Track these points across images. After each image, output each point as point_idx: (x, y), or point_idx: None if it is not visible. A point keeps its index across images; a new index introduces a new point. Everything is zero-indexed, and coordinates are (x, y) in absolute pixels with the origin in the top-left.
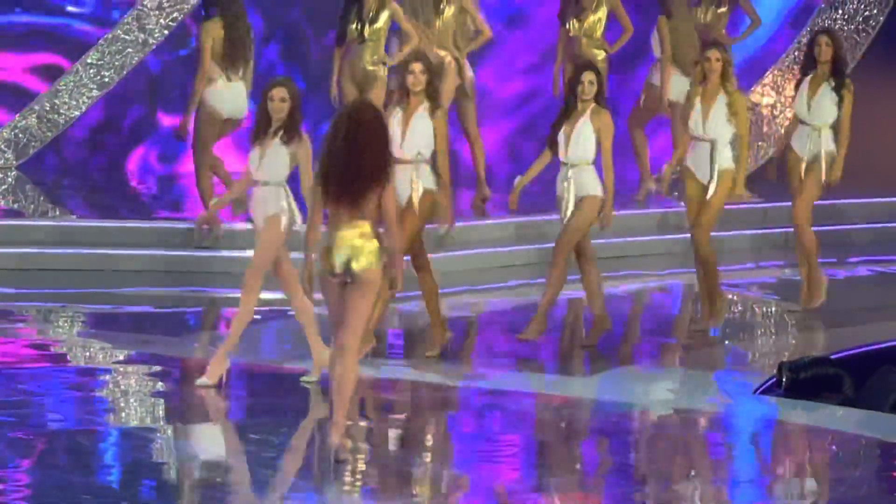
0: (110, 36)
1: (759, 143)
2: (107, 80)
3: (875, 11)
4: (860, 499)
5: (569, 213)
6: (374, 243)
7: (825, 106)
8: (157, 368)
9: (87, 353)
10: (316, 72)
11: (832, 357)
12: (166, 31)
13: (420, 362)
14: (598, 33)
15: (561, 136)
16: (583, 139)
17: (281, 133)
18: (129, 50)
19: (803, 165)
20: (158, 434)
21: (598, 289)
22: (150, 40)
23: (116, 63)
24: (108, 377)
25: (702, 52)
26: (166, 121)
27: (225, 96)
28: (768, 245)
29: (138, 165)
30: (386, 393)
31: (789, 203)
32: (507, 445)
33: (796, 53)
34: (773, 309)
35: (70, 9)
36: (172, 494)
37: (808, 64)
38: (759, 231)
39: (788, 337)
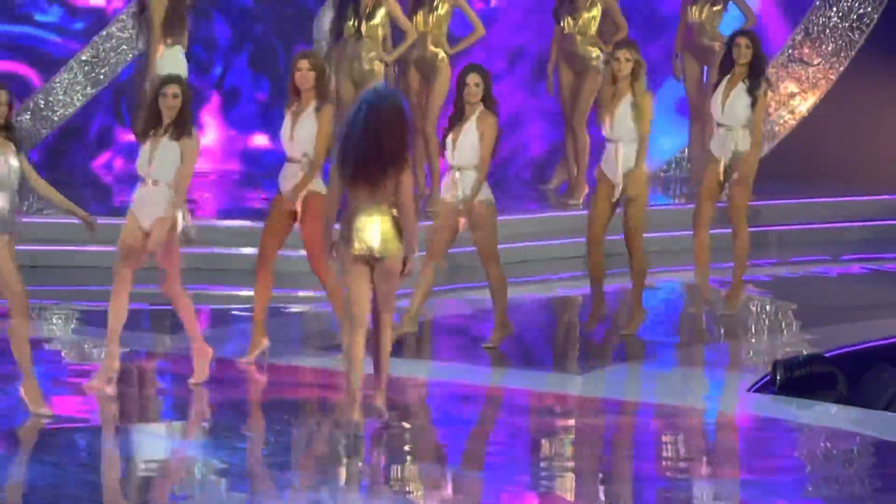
0: (105, 33)
1: None
2: (101, 77)
3: (869, 9)
4: (854, 496)
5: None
6: (395, 226)
7: (738, 107)
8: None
9: (81, 350)
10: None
11: (826, 355)
12: None
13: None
14: (592, 31)
15: (448, 140)
16: (468, 143)
17: (171, 130)
18: (124, 47)
19: (720, 167)
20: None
21: (496, 293)
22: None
23: (111, 60)
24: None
25: (612, 51)
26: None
27: (167, 62)
28: (762, 242)
29: (104, 163)
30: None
31: (783, 201)
32: (500, 443)
33: (791, 51)
34: (768, 307)
35: (37, 18)
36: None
37: (727, 65)
38: (753, 229)
39: (783, 335)
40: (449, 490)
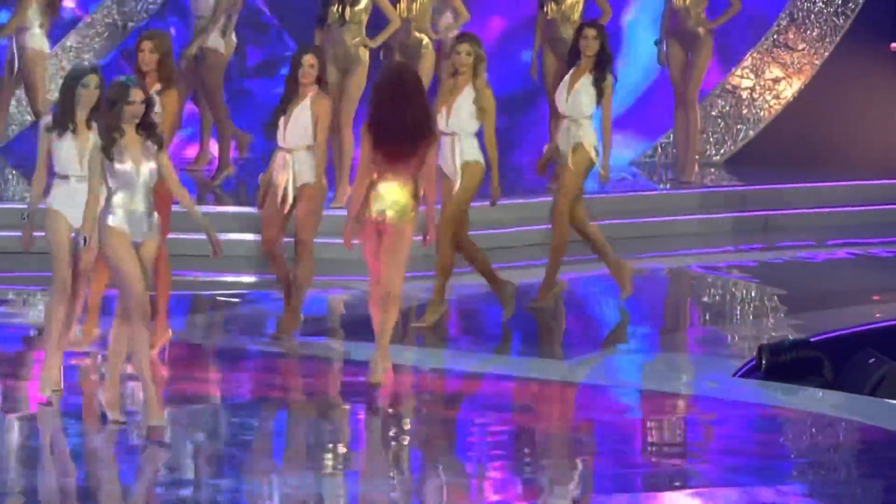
0: (89, 19)
1: (739, 126)
2: (86, 63)
3: None
4: (839, 481)
5: (290, 199)
6: (412, 198)
7: (582, 99)
8: None
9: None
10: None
11: (812, 340)
12: (145, 15)
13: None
14: (576, 16)
15: (281, 121)
16: (301, 125)
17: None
18: (108, 33)
19: (568, 158)
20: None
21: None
22: (130, 24)
23: (95, 46)
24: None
25: (453, 45)
26: None
27: (45, 39)
28: (748, 228)
29: None
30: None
31: (769, 186)
32: (482, 428)
33: (776, 36)
34: (753, 292)
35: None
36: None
37: (573, 56)
38: (739, 214)
39: (768, 320)
40: (438, 480)
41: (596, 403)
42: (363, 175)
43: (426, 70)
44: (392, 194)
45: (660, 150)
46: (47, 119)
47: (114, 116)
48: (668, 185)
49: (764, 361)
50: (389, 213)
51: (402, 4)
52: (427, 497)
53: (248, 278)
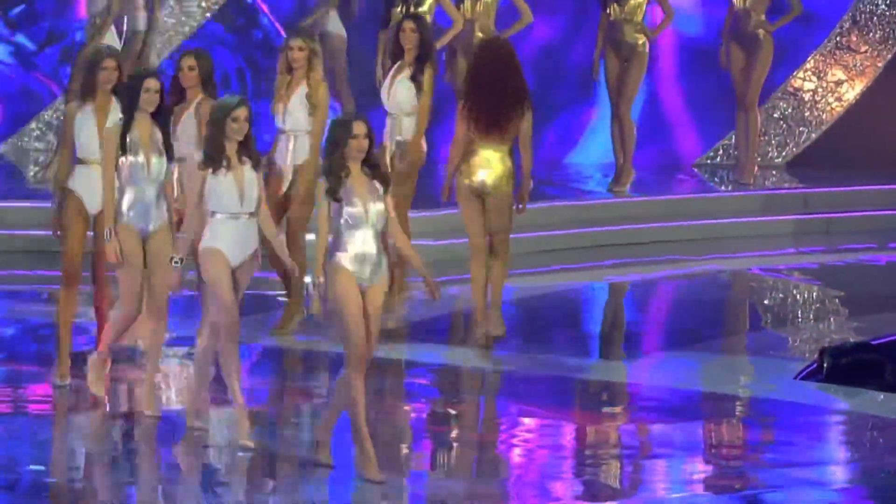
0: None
1: (801, 129)
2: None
3: None
4: None
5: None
6: (510, 165)
7: (401, 94)
8: None
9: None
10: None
11: (873, 343)
12: (208, 15)
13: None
14: (639, 17)
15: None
16: (187, 132)
17: None
18: (171, 33)
19: (387, 157)
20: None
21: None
22: (192, 23)
23: (157, 46)
24: None
25: (286, 40)
26: None
27: None
28: (809, 230)
29: None
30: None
31: (831, 188)
32: (545, 429)
33: (838, 39)
34: (814, 294)
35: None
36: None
37: (397, 50)
38: (801, 216)
39: (829, 322)
40: (500, 473)
41: (656, 405)
42: (458, 145)
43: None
44: (490, 163)
45: (721, 151)
46: (198, 156)
47: (339, 155)
48: (728, 188)
49: (825, 364)
50: (489, 182)
51: (466, 5)
52: (504, 494)
53: None
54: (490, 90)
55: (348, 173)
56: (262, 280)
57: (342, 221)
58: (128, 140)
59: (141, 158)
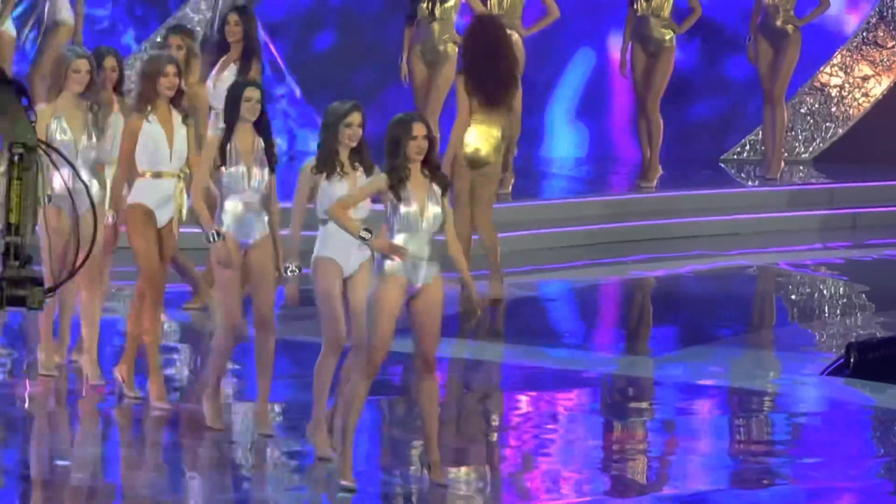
0: (179, 14)
1: (827, 124)
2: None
3: None
4: None
5: None
6: (500, 138)
7: (225, 89)
8: None
9: None
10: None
11: None
12: None
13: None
14: (666, 12)
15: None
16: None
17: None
18: (198, 29)
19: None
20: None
21: None
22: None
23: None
24: None
25: (165, 35)
26: None
27: None
28: (836, 225)
29: None
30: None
31: (857, 184)
32: (573, 424)
33: (865, 34)
34: (841, 290)
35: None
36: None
37: (223, 45)
38: (827, 211)
39: (856, 317)
40: (527, 468)
41: (682, 400)
42: (463, 121)
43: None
44: (488, 137)
45: (748, 146)
46: (310, 160)
47: (399, 156)
48: (755, 183)
49: (852, 359)
50: (484, 154)
51: (492, 0)
52: (530, 490)
53: None
54: (487, 66)
55: (409, 174)
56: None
57: (394, 221)
58: (227, 150)
59: (242, 169)
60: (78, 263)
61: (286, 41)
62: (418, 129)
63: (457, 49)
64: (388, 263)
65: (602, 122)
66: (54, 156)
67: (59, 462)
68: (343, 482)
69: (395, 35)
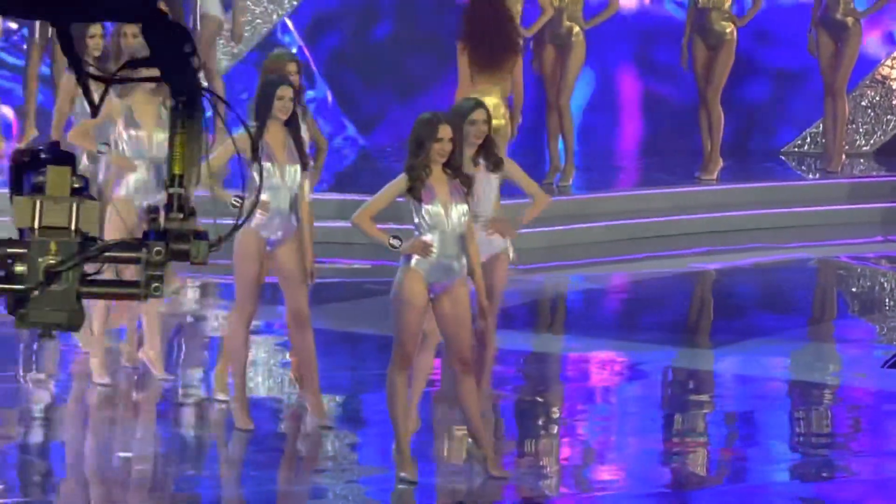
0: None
1: (888, 117)
2: (236, 51)
3: None
4: None
5: None
6: (502, 103)
7: None
8: None
9: None
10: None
11: None
12: (295, 3)
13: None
14: (727, 5)
15: None
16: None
17: None
18: (259, 21)
19: None
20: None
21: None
22: (280, 11)
23: (246, 34)
24: None
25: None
26: None
27: None
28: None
29: None
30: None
31: None
32: (633, 416)
33: None
34: None
35: None
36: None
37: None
38: (888, 204)
39: None
40: (588, 460)
41: (744, 393)
42: (465, 89)
43: (577, 60)
44: (489, 99)
45: (808, 139)
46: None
47: (424, 157)
48: (816, 175)
49: None
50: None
51: None
52: (591, 482)
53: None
54: (488, 33)
55: (430, 174)
56: (358, 270)
57: (420, 221)
58: (260, 147)
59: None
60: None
61: (342, 31)
62: (444, 132)
63: (522, 42)
64: (414, 259)
65: (662, 114)
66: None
67: (123, 454)
68: (402, 474)
69: (452, 24)
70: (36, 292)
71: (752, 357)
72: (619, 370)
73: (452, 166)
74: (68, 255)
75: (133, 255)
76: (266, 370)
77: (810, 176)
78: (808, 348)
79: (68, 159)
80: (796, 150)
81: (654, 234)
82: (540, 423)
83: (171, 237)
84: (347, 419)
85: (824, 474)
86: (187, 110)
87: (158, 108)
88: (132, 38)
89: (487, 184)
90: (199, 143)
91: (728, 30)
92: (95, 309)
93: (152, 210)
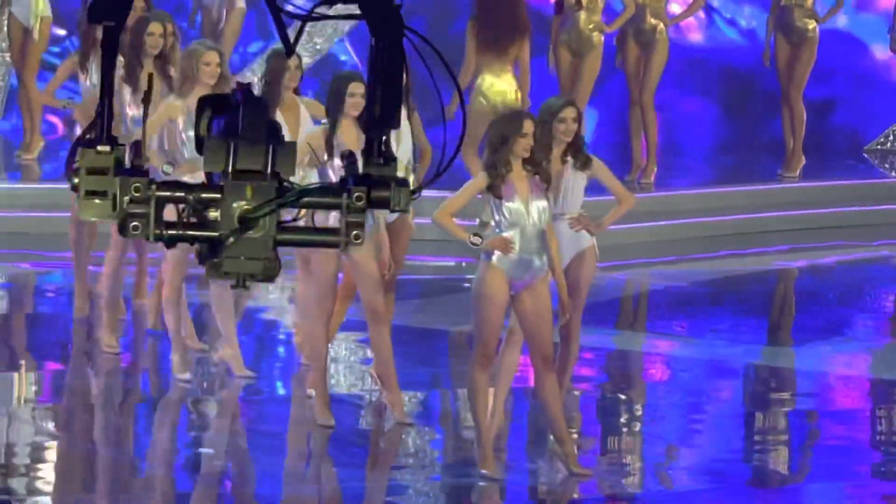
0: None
1: None
2: (318, 47)
3: None
4: None
5: None
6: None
7: None
8: None
9: None
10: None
11: None
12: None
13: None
14: (809, 2)
15: None
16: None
17: None
18: (318, 39)
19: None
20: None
21: None
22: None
23: (327, 31)
24: None
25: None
26: None
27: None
28: None
29: None
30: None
31: None
32: (713, 415)
33: None
34: None
35: None
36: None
37: None
38: None
39: None
40: (670, 458)
41: (825, 391)
42: (468, 67)
43: (660, 56)
44: (499, 86)
45: (891, 137)
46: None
47: (503, 151)
48: None
49: None
50: (499, 100)
51: None
52: (672, 479)
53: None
54: (496, 15)
55: (510, 170)
56: (441, 267)
57: (500, 218)
58: (334, 145)
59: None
60: None
61: (421, 26)
62: (528, 127)
63: (602, 38)
64: (496, 255)
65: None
66: None
67: (206, 450)
68: (484, 471)
69: (533, 21)
70: (230, 240)
71: (834, 355)
72: (701, 367)
73: (533, 162)
74: (265, 201)
75: (333, 200)
76: (346, 367)
77: (893, 174)
78: (891, 346)
79: (262, 102)
80: (879, 147)
81: (735, 231)
82: (622, 420)
83: (371, 183)
84: (427, 416)
85: None
86: (388, 53)
87: None
88: (158, 38)
89: (575, 181)
90: (399, 86)
91: (810, 27)
92: (167, 303)
93: (349, 155)
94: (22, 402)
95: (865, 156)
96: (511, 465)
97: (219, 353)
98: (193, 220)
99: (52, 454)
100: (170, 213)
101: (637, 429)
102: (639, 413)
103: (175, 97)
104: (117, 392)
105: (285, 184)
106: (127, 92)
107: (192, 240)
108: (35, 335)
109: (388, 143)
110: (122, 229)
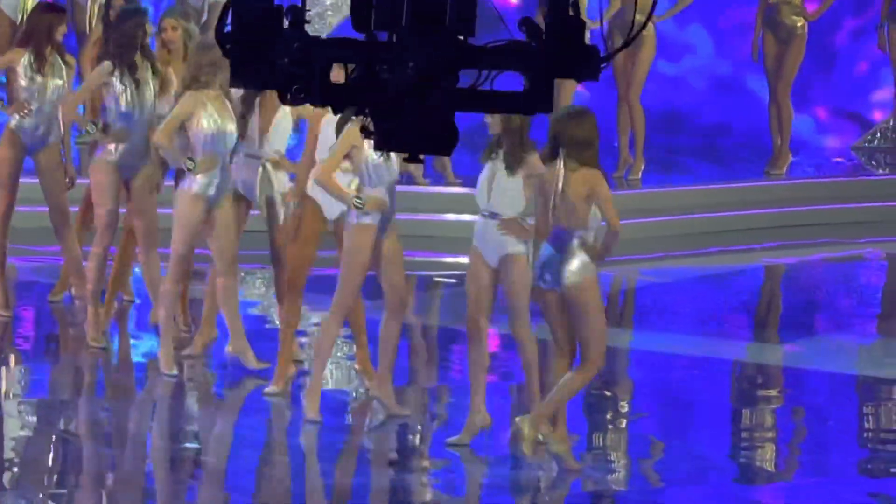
0: None
1: None
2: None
3: None
4: None
5: None
6: None
7: None
8: None
9: None
10: None
11: None
12: None
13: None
14: (797, 0)
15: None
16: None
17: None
18: (329, 13)
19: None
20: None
21: None
22: (346, 6)
23: (316, 27)
24: None
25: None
26: None
27: None
28: None
29: None
30: None
31: None
32: (700, 412)
33: None
34: None
35: None
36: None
37: None
38: None
39: None
40: (656, 455)
41: (812, 388)
42: None
43: (648, 55)
44: None
45: (878, 134)
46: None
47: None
48: (886, 171)
49: None
50: None
51: None
52: (659, 472)
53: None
54: None
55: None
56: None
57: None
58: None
59: (378, 155)
60: None
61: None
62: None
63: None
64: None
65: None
66: None
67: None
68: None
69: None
70: (405, 104)
71: (820, 352)
72: (688, 364)
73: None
74: (444, 59)
75: (519, 61)
76: (332, 362)
77: (880, 171)
78: (878, 344)
79: None
80: (866, 144)
81: (722, 228)
82: (608, 417)
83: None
84: (422, 411)
85: (893, 470)
86: None
87: (225, 103)
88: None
89: (507, 182)
90: None
91: (799, 24)
92: (163, 297)
93: (527, 21)
94: (10, 396)
95: (853, 153)
96: (505, 461)
97: (229, 348)
98: (363, 82)
99: (35, 449)
100: (336, 75)
101: (623, 425)
102: (625, 410)
103: (191, 94)
104: (102, 386)
105: (464, 44)
106: (120, 84)
107: (362, 103)
108: (21, 329)
109: (576, 4)
110: (283, 95)
